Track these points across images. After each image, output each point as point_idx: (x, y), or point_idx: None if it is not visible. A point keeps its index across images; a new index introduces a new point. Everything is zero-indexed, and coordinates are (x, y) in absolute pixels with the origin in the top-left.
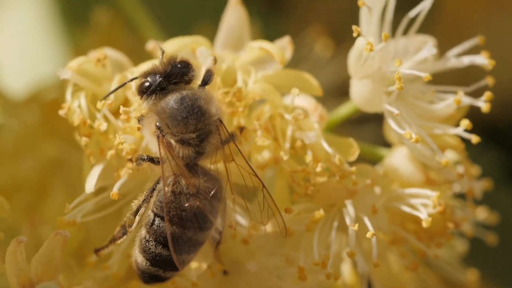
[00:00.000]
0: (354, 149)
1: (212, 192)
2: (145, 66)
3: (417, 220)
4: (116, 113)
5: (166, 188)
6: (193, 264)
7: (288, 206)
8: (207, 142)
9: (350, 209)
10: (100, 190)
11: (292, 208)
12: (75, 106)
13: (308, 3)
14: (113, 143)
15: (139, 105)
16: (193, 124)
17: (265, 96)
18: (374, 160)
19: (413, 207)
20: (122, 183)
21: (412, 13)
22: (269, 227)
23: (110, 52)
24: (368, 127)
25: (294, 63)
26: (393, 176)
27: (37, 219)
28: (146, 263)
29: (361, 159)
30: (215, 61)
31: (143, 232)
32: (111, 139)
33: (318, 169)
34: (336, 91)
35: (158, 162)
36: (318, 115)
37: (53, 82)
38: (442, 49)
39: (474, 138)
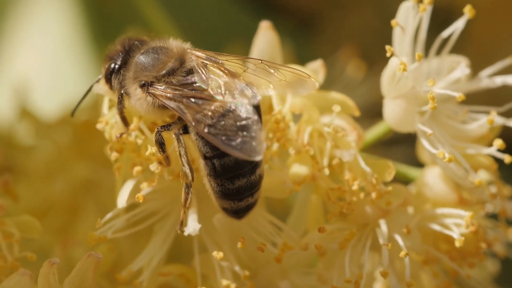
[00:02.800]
0: (391, 170)
1: (235, 88)
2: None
3: (449, 240)
4: (151, 128)
5: (201, 127)
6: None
7: (322, 225)
8: (188, 60)
9: (383, 229)
10: (132, 206)
11: (325, 228)
12: (112, 121)
13: (338, 23)
14: (144, 157)
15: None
16: (164, 56)
17: (305, 110)
18: (406, 180)
19: (446, 226)
20: (150, 191)
21: (445, 33)
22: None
23: None
24: (399, 148)
25: (326, 85)
26: (426, 196)
27: (69, 241)
28: (235, 203)
29: (393, 179)
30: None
31: (212, 183)
32: (143, 154)
33: (355, 187)
34: (367, 112)
35: (169, 125)
36: (356, 134)
37: (84, 103)
38: (472, 68)
39: (507, 158)
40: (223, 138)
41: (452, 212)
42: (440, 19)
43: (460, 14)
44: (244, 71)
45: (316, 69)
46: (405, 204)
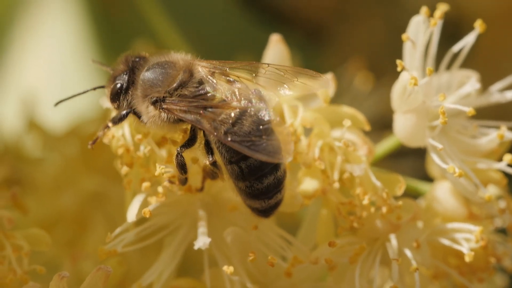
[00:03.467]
0: (401, 184)
1: (250, 93)
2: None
3: (459, 255)
4: (159, 143)
5: (223, 136)
6: None
7: (332, 239)
8: (196, 71)
9: (393, 243)
10: (141, 220)
11: (336, 242)
12: (119, 135)
13: (346, 35)
14: (153, 173)
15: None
16: (171, 70)
17: (316, 124)
18: (415, 194)
19: (455, 241)
20: (159, 205)
21: (455, 48)
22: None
23: None
24: (407, 161)
25: (334, 97)
26: (435, 210)
27: (78, 254)
28: (265, 201)
29: (402, 193)
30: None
31: (240, 186)
32: (152, 169)
33: (365, 201)
34: (376, 124)
35: (188, 143)
36: (367, 148)
37: (92, 115)
38: (481, 81)
39: None
40: (249, 144)
41: (462, 226)
42: (448, 32)
43: (468, 27)
44: (254, 75)
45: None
46: (415, 218)
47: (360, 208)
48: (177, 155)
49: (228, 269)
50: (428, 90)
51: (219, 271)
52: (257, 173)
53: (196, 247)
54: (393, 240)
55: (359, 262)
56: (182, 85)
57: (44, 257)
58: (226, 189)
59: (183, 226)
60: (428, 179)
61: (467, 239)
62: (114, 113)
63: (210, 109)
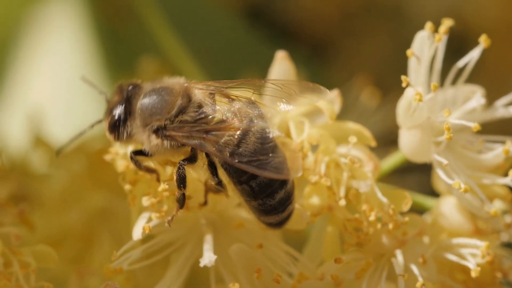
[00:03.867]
0: (407, 200)
1: (251, 112)
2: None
3: (465, 270)
4: (163, 162)
5: (230, 158)
6: None
7: (338, 255)
8: (193, 95)
9: (399, 259)
10: (148, 237)
11: (342, 258)
12: (122, 152)
13: (352, 51)
14: (157, 190)
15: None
16: (169, 96)
17: (322, 141)
18: (421, 209)
19: (462, 256)
20: (157, 223)
21: (460, 63)
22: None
23: None
24: (412, 176)
25: (340, 113)
26: (441, 226)
27: (85, 270)
28: (279, 215)
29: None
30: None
31: (252, 204)
32: (156, 188)
33: (372, 218)
34: (382, 140)
35: (192, 158)
36: (373, 164)
37: (98, 132)
38: (486, 96)
39: None
40: (257, 163)
41: (468, 242)
42: (453, 46)
43: (473, 41)
44: (253, 93)
45: (332, 100)
46: (421, 234)
47: (367, 224)
48: (179, 168)
49: (234, 286)
50: (433, 106)
51: None
52: (267, 190)
53: (202, 264)
54: (399, 255)
55: (365, 278)
56: (182, 110)
57: (51, 274)
58: (232, 206)
59: (189, 243)
60: (434, 193)
61: (473, 254)
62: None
63: (213, 132)
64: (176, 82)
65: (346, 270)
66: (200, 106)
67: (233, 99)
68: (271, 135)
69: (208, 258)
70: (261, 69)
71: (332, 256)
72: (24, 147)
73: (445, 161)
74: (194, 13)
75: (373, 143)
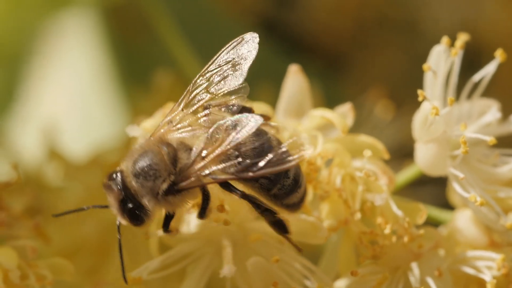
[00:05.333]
0: (422, 213)
1: (230, 124)
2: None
3: (481, 282)
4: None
5: (240, 174)
6: None
7: (354, 268)
8: (170, 140)
9: (415, 272)
10: (166, 248)
11: (357, 271)
12: (138, 141)
13: (365, 64)
14: None
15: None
16: (154, 156)
17: (337, 154)
18: (436, 222)
19: (477, 269)
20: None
21: (476, 77)
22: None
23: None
24: (426, 189)
25: (354, 126)
26: (457, 239)
27: (100, 282)
28: (298, 191)
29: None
30: (278, 130)
31: (273, 192)
32: None
33: (387, 231)
34: (396, 153)
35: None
36: (387, 178)
37: (113, 144)
38: (502, 111)
39: None
40: (272, 163)
41: (484, 254)
42: (466, 59)
43: (486, 54)
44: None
45: (345, 113)
46: (437, 246)
47: (382, 237)
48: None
49: None
50: (449, 120)
51: None
52: (281, 172)
53: (222, 275)
54: (415, 268)
55: None
56: (174, 159)
57: (66, 286)
58: (251, 219)
59: (207, 254)
60: (447, 206)
61: (489, 267)
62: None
63: (216, 161)
64: (144, 142)
65: (363, 284)
66: (184, 144)
67: (203, 119)
68: (259, 131)
69: (228, 269)
70: (275, 82)
71: (347, 269)
72: (38, 160)
73: (461, 175)
74: (208, 26)
75: (386, 156)
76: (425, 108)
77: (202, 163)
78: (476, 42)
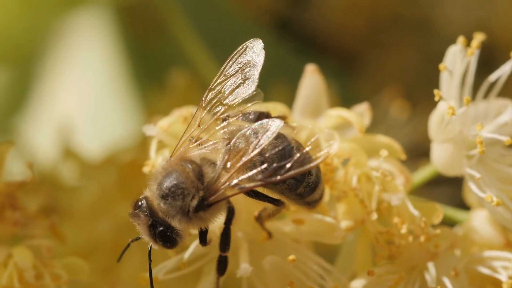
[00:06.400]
0: (438, 213)
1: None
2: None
3: (496, 282)
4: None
5: (269, 180)
6: None
7: (370, 268)
8: (193, 157)
9: (432, 272)
10: (182, 248)
11: (374, 271)
12: (159, 163)
13: (380, 63)
14: None
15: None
16: (180, 175)
17: (353, 154)
18: (451, 222)
19: (493, 269)
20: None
21: (492, 77)
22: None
23: (194, 111)
24: (441, 189)
25: (370, 126)
26: (473, 239)
27: (115, 281)
28: (319, 187)
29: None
30: (296, 130)
31: (299, 191)
32: None
33: (403, 230)
34: (412, 152)
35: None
36: (404, 178)
37: (128, 144)
38: None
39: None
40: (297, 164)
41: (500, 255)
42: (480, 59)
43: (500, 53)
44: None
45: (362, 112)
46: (453, 246)
47: (398, 237)
48: (225, 229)
49: None
50: (465, 120)
51: None
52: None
53: (238, 275)
54: (431, 268)
55: None
56: (200, 175)
57: (82, 285)
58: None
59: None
60: (462, 206)
61: (505, 267)
62: (154, 145)
63: (242, 170)
64: (165, 164)
65: (379, 283)
66: (207, 159)
67: (220, 131)
68: (278, 133)
69: (244, 269)
70: (290, 81)
71: (363, 268)
72: (53, 159)
73: (477, 175)
74: (222, 25)
75: (403, 156)
76: (441, 108)
77: (228, 175)
78: (489, 41)
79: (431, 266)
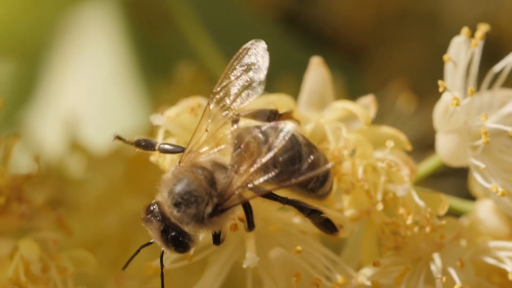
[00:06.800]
0: (444, 204)
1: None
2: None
3: (502, 273)
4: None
5: (283, 184)
6: None
7: (376, 259)
8: (203, 163)
9: (437, 262)
10: None
11: (380, 262)
12: (169, 169)
13: (387, 56)
14: None
15: None
16: (192, 182)
17: (359, 145)
18: (456, 213)
19: (499, 259)
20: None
21: (496, 68)
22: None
23: (203, 101)
24: (447, 180)
25: (377, 118)
26: (478, 229)
27: (122, 274)
28: (329, 180)
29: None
30: (299, 123)
31: (310, 186)
32: None
33: (409, 221)
34: (419, 144)
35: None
36: (409, 169)
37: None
38: None
39: None
40: (308, 166)
41: (505, 245)
42: (487, 51)
43: (507, 46)
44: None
45: (367, 105)
46: (459, 237)
47: (404, 227)
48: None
49: None
50: (470, 110)
51: None
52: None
53: (245, 265)
54: (437, 259)
55: (403, 282)
56: (213, 181)
57: (88, 278)
58: (273, 210)
59: (230, 244)
60: (469, 196)
61: (511, 257)
62: (161, 134)
63: (257, 180)
64: (175, 170)
65: (385, 274)
66: (218, 165)
67: (231, 126)
68: (297, 141)
69: (251, 259)
70: (297, 76)
71: (370, 259)
72: (60, 152)
73: (482, 165)
74: (229, 19)
75: (409, 147)
76: (445, 99)
77: (242, 179)
78: (496, 34)
79: (436, 257)
